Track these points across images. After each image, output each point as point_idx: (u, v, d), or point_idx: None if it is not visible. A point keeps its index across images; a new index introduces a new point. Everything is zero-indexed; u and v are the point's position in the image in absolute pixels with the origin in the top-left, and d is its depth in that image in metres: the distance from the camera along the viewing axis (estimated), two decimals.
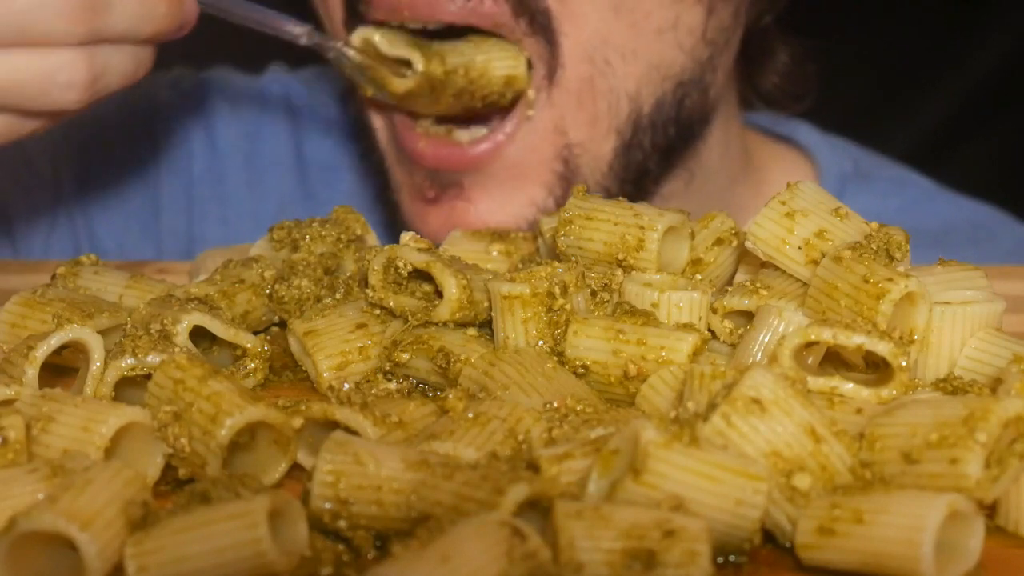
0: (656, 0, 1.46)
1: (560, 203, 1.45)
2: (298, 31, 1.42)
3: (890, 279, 1.03)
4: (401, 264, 1.13)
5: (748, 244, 1.11)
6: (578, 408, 1.00)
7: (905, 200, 1.83)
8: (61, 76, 1.18)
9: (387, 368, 1.11)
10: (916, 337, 1.05)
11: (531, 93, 1.47)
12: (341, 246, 1.25)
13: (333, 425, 0.99)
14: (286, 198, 1.84)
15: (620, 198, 1.20)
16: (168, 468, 0.98)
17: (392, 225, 1.73)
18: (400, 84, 1.44)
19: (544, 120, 1.48)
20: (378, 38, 1.45)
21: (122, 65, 1.23)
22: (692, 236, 1.18)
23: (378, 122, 1.57)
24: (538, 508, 0.87)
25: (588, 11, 1.44)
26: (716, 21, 1.52)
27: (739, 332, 1.10)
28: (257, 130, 1.87)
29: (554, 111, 1.47)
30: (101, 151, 1.82)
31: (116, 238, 1.80)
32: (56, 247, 1.78)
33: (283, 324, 1.22)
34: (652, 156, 1.54)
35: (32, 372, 1.05)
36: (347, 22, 1.50)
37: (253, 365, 1.13)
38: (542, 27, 1.43)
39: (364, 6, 1.46)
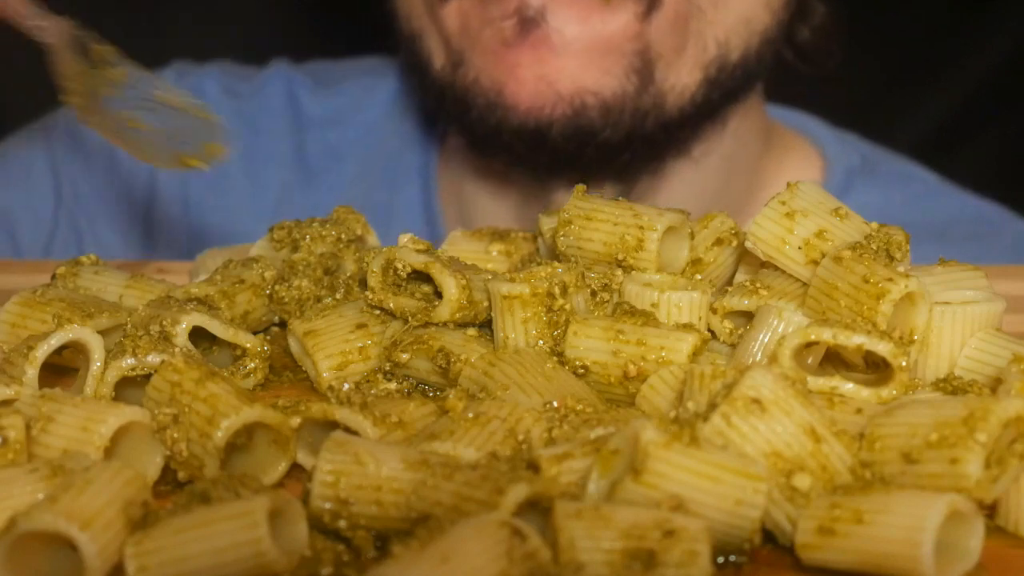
0: None
1: (640, 94, 1.58)
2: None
3: (890, 279, 1.03)
4: (400, 265, 1.13)
5: (748, 244, 1.11)
6: (578, 408, 1.00)
7: (909, 194, 1.87)
8: None
9: (387, 368, 1.11)
10: (916, 337, 1.05)
11: None
12: (341, 246, 1.25)
13: (333, 425, 0.99)
14: (285, 189, 1.86)
15: (620, 198, 1.20)
16: (168, 468, 0.98)
17: (392, 209, 1.77)
18: None
19: (629, 21, 1.56)
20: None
21: None
22: (692, 236, 1.18)
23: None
24: (538, 508, 0.87)
25: None
26: None
27: (739, 332, 1.10)
28: (257, 122, 1.90)
29: (646, 26, 1.56)
30: (99, 142, 1.84)
31: (115, 229, 1.83)
32: (58, 240, 1.80)
33: (283, 324, 1.22)
34: (723, 98, 1.66)
35: (32, 372, 1.05)
36: None
37: (253, 365, 1.13)
38: None
39: None
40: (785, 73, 1.77)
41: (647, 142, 1.62)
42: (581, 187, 1.21)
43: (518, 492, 0.86)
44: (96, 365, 1.05)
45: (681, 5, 1.58)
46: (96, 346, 1.06)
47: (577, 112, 1.57)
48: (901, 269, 1.07)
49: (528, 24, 1.56)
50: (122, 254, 1.80)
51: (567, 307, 1.08)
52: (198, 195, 1.86)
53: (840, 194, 1.78)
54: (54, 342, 1.05)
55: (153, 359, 1.05)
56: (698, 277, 1.16)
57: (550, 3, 1.55)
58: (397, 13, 1.72)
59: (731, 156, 1.76)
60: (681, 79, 1.61)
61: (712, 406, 0.91)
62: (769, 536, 0.91)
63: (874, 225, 1.11)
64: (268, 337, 1.20)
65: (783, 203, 1.10)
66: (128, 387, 1.06)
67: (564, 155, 1.60)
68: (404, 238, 1.17)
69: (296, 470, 1.00)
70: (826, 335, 1.00)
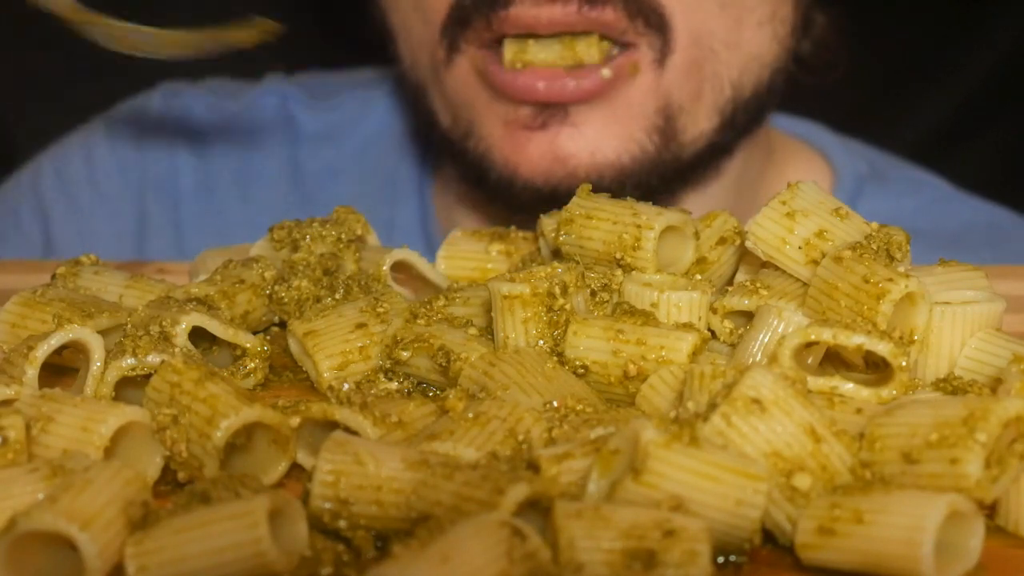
0: None
1: (660, 152, 1.56)
2: None
3: (890, 279, 1.03)
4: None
5: (748, 244, 1.11)
6: (578, 408, 1.00)
7: (922, 201, 1.85)
8: None
9: (388, 366, 1.11)
10: (916, 337, 1.05)
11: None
12: (341, 246, 1.25)
13: (333, 425, 0.99)
14: (280, 209, 1.84)
15: (628, 198, 1.19)
16: (168, 468, 0.98)
17: (392, 227, 1.74)
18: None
19: (649, 80, 1.54)
20: None
21: None
22: (697, 236, 1.18)
23: (466, 71, 1.58)
24: (538, 508, 0.87)
25: (696, 6, 1.54)
26: (800, 11, 1.64)
27: (739, 332, 1.10)
28: (249, 140, 1.89)
29: (662, 77, 1.55)
30: (85, 164, 1.83)
31: (104, 252, 1.82)
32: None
33: (283, 324, 1.22)
34: (737, 134, 1.65)
35: (32, 372, 1.05)
36: (450, 46, 1.56)
37: (253, 365, 1.13)
38: (656, 25, 1.53)
39: (497, 23, 1.51)
40: (788, 84, 1.75)
41: (662, 185, 1.60)
42: (587, 186, 1.21)
43: (518, 492, 0.86)
44: (96, 365, 1.05)
45: (694, 50, 1.55)
46: (96, 346, 1.06)
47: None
48: (901, 269, 1.07)
49: (545, 111, 1.54)
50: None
51: (567, 307, 1.08)
52: (190, 218, 1.84)
53: (850, 202, 1.77)
54: (54, 342, 1.05)
55: (153, 359, 1.05)
56: (698, 277, 1.16)
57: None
58: (401, 57, 1.68)
59: (737, 178, 1.74)
60: (699, 126, 1.59)
61: (712, 406, 0.91)
62: (769, 536, 0.91)
63: (874, 225, 1.11)
64: (268, 337, 1.20)
65: (783, 203, 1.10)
66: (128, 387, 1.06)
67: None
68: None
69: (296, 470, 1.00)
70: (826, 335, 1.00)
